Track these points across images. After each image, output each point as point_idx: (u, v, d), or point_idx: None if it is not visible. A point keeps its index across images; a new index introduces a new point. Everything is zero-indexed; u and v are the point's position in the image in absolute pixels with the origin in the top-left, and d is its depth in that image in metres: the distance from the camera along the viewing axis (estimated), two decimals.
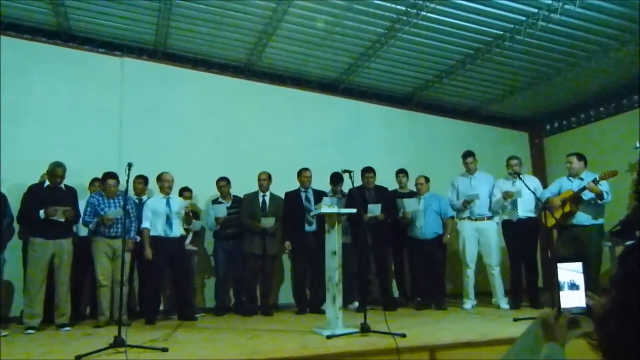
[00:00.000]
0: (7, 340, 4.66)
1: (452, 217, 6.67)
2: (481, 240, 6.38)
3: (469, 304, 6.35)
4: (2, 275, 5.34)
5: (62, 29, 7.00)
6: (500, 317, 5.37)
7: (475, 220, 6.39)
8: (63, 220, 5.33)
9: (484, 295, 6.64)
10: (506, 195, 6.15)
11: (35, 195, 5.42)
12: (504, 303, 6.20)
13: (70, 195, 5.58)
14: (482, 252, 6.42)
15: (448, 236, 6.55)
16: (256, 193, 6.63)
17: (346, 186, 6.69)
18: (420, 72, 8.07)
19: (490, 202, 6.42)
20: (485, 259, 6.39)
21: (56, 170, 5.45)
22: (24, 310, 5.31)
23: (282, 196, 6.74)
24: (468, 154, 6.61)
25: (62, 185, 5.54)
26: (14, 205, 5.55)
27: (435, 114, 9.20)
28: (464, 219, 6.47)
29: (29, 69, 6.73)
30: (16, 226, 5.87)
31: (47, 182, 5.52)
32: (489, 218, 6.42)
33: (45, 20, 6.79)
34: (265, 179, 6.61)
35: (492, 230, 6.40)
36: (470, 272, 6.40)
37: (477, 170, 6.61)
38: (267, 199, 6.60)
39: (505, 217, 6.36)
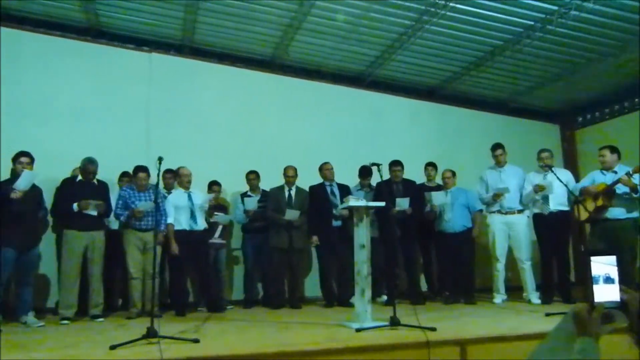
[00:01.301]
0: (44, 330, 4.77)
1: (481, 211, 6.59)
2: (511, 234, 6.28)
3: (499, 298, 6.27)
4: (38, 267, 5.45)
5: (92, 26, 7.09)
6: (532, 312, 5.29)
7: (506, 214, 6.30)
8: (95, 214, 5.42)
9: (514, 289, 6.55)
10: (537, 188, 6.04)
11: (68, 189, 5.53)
12: (535, 298, 6.10)
13: (103, 189, 5.68)
14: (512, 246, 6.32)
15: (476, 230, 6.48)
16: (282, 187, 6.64)
17: (374, 180, 6.68)
18: (447, 64, 7.96)
19: (521, 195, 6.32)
20: (515, 253, 6.30)
21: (88, 167, 5.55)
22: (59, 301, 5.44)
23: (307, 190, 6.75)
24: (497, 146, 6.51)
25: (95, 180, 5.64)
26: (47, 199, 5.66)
27: (463, 107, 9.08)
28: (493, 212, 6.38)
29: (60, 65, 6.84)
30: (50, 219, 6.01)
31: (79, 177, 5.62)
32: (520, 212, 6.32)
33: (75, 17, 6.89)
34: (292, 175, 6.61)
35: (522, 224, 6.30)
36: (500, 266, 6.31)
37: (506, 163, 6.51)
38: (292, 193, 6.61)
39: (537, 211, 6.24)
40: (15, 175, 5.11)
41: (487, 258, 6.73)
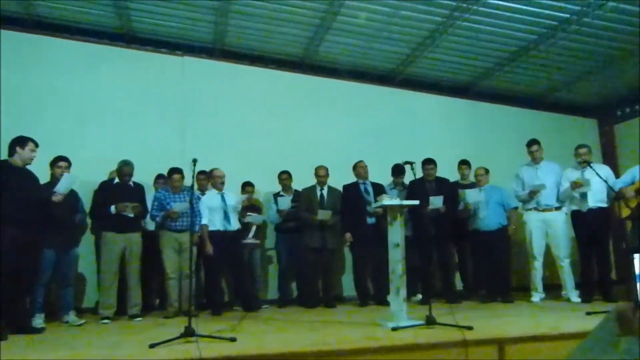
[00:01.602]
0: (85, 329, 4.90)
1: (516, 208, 6.50)
2: (549, 232, 6.17)
3: (537, 297, 6.16)
4: (77, 268, 5.59)
5: (126, 31, 7.22)
6: (571, 311, 5.18)
7: (543, 211, 6.18)
8: (132, 215, 5.54)
9: (553, 288, 6.42)
10: (575, 185, 5.91)
11: (105, 192, 5.67)
12: (574, 296, 5.97)
13: (139, 191, 5.80)
14: (550, 244, 6.20)
15: (512, 227, 6.39)
16: (314, 187, 6.65)
17: (407, 178, 6.64)
18: (480, 60, 7.85)
19: (558, 192, 6.19)
20: (554, 250, 6.18)
21: (124, 169, 5.68)
22: (99, 301, 5.58)
23: (340, 189, 6.74)
24: (533, 142, 6.40)
25: (131, 182, 5.76)
26: (86, 202, 5.80)
27: (497, 103, 8.93)
28: (530, 209, 6.28)
29: (96, 71, 6.99)
30: (88, 222, 6.16)
31: (116, 180, 5.76)
32: (557, 209, 6.20)
33: (110, 23, 7.03)
34: (324, 175, 6.62)
35: (560, 221, 6.18)
36: (537, 265, 6.20)
37: (542, 159, 6.39)
38: (324, 192, 6.61)
39: (575, 208, 6.12)
40: (53, 179, 5.26)
41: (523, 256, 6.62)
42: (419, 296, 6.48)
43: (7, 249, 4.22)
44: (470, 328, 3.81)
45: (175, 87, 7.33)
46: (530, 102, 9.10)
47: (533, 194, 6.16)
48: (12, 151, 4.55)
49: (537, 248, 6.20)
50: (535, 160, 6.37)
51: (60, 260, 5.18)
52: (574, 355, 1.42)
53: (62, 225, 5.15)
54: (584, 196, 5.99)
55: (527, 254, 6.37)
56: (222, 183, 6.11)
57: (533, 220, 6.23)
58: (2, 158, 4.69)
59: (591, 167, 5.48)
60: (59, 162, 5.27)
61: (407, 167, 4.71)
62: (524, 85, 8.65)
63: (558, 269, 6.16)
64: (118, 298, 5.60)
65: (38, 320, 4.86)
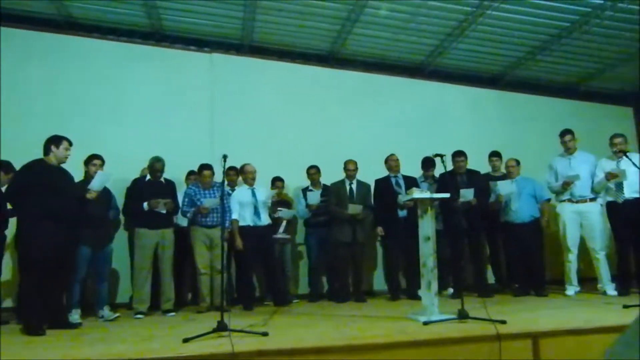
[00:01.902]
0: (119, 324, 5.00)
1: (549, 200, 6.38)
2: (584, 224, 6.03)
3: (571, 290, 6.04)
4: (111, 263, 5.70)
5: (156, 30, 7.33)
6: (607, 304, 5.05)
7: (577, 202, 6.05)
8: (164, 211, 5.63)
9: (588, 281, 6.30)
10: (610, 175, 5.77)
11: (138, 189, 5.77)
12: (611, 289, 5.84)
13: (170, 188, 5.88)
14: (585, 236, 6.07)
15: (545, 219, 6.27)
16: (343, 181, 6.64)
17: (437, 171, 6.58)
18: (511, 49, 7.74)
19: (593, 182, 6.05)
20: (588, 243, 6.04)
21: (155, 165, 5.77)
22: (133, 296, 5.69)
23: (371, 183, 6.72)
24: (566, 132, 6.26)
25: (162, 179, 5.85)
26: (119, 199, 5.91)
27: (528, 93, 8.80)
28: (564, 201, 6.14)
29: (127, 69, 7.11)
30: (122, 218, 6.28)
31: (148, 177, 5.85)
32: (592, 200, 6.06)
33: (140, 22, 7.14)
34: (353, 169, 6.60)
35: (595, 212, 6.04)
36: (572, 257, 6.07)
37: (576, 149, 6.24)
38: (354, 186, 6.59)
39: (610, 199, 5.97)
40: (87, 177, 5.37)
41: (556, 249, 6.50)
42: (451, 290, 6.43)
43: (43, 245, 4.32)
44: (503, 322, 3.76)
45: (204, 83, 7.41)
46: (562, 91, 8.93)
47: (567, 185, 6.03)
48: (47, 150, 4.65)
49: (572, 240, 6.07)
50: (568, 150, 6.23)
51: (96, 257, 5.29)
52: (612, 350, 1.38)
53: (97, 223, 5.27)
54: (619, 187, 5.84)
55: (561, 247, 6.25)
56: (253, 178, 6.15)
57: (567, 212, 6.10)
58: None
59: (627, 157, 5.32)
60: (93, 160, 5.38)
61: (437, 160, 4.65)
62: (556, 74, 8.50)
63: (593, 261, 6.03)
64: (151, 293, 5.69)
65: (75, 316, 4.99)
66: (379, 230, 6.46)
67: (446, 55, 7.95)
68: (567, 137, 6.21)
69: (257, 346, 3.31)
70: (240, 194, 6.11)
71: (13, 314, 5.52)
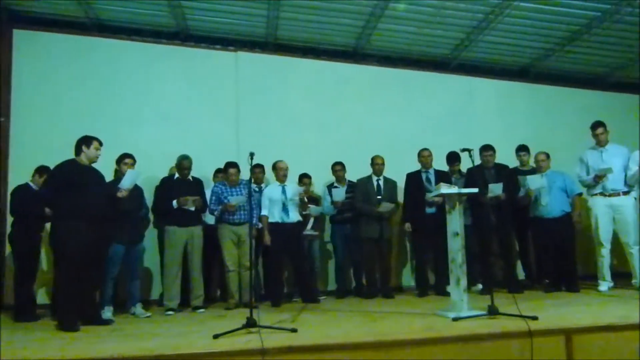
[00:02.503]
0: (151, 320, 5.08)
1: (580, 194, 6.25)
2: (616, 217, 5.89)
3: (604, 285, 5.91)
4: (143, 261, 5.78)
5: (181, 30, 7.39)
6: None
7: (609, 195, 5.92)
8: (193, 209, 5.69)
9: (622, 276, 6.17)
10: None
11: (167, 187, 5.85)
12: None
13: (198, 185, 5.94)
14: (618, 230, 5.93)
15: (578, 214, 6.15)
16: (370, 177, 6.61)
17: (464, 166, 6.51)
18: (539, 41, 7.59)
19: (626, 176, 5.91)
20: (622, 237, 5.90)
21: (183, 163, 5.84)
22: (163, 294, 5.78)
23: (398, 179, 6.68)
24: (598, 125, 6.11)
25: (190, 177, 5.91)
26: (148, 198, 5.99)
27: (558, 85, 8.64)
28: (596, 195, 6.01)
29: (154, 69, 7.20)
30: (151, 216, 6.37)
31: (176, 175, 5.92)
32: (625, 193, 5.91)
33: (165, 22, 7.20)
34: (380, 163, 6.57)
35: (628, 206, 5.89)
36: (605, 252, 5.93)
37: (608, 142, 6.09)
38: (381, 182, 6.56)
39: None
40: (119, 176, 5.46)
41: (588, 244, 6.38)
42: (480, 286, 6.36)
43: (77, 244, 4.41)
44: (535, 318, 3.71)
45: (230, 82, 7.45)
46: (593, 82, 8.74)
47: (599, 178, 5.90)
48: (78, 150, 4.74)
49: (604, 235, 5.94)
50: (600, 143, 6.09)
51: (129, 255, 5.38)
52: None
53: (130, 221, 5.37)
54: None
55: (594, 241, 6.12)
56: (285, 175, 6.17)
57: (599, 206, 5.97)
58: None
59: None
60: (125, 159, 5.47)
61: (464, 155, 4.61)
62: (587, 65, 8.33)
63: (627, 256, 5.89)
64: (181, 290, 5.76)
65: (107, 313, 5.08)
66: (407, 226, 6.43)
67: (472, 49, 7.84)
68: (599, 130, 6.07)
69: (286, 342, 3.33)
70: (271, 190, 6.14)
71: (48, 311, 5.66)
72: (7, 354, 3.23)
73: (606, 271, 5.96)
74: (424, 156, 6.53)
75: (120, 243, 5.23)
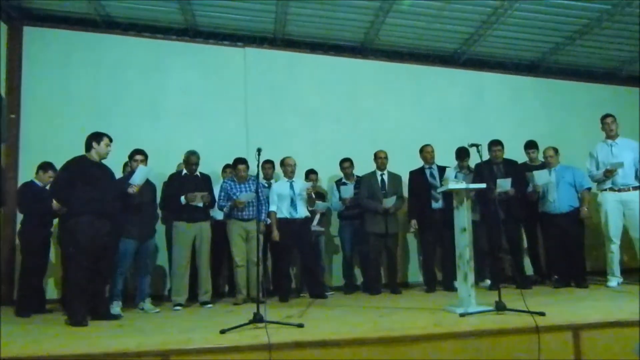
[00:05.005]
0: (159, 316, 5.12)
1: (589, 189, 6.20)
2: (627, 213, 5.84)
3: (614, 281, 5.87)
4: (155, 257, 5.79)
5: (190, 26, 7.41)
6: None
7: (619, 191, 5.86)
8: (202, 205, 5.71)
9: (631, 272, 6.13)
10: None
11: (175, 183, 5.87)
12: None
13: (206, 181, 5.96)
14: (628, 226, 5.88)
15: (586, 209, 6.09)
16: (374, 172, 6.60)
17: (472, 161, 6.48)
18: (549, 35, 7.53)
19: (636, 170, 5.85)
20: (632, 232, 5.85)
21: (190, 158, 5.86)
22: (171, 289, 5.81)
23: (405, 174, 6.67)
24: (607, 116, 6.06)
25: (198, 173, 5.93)
26: (157, 193, 6.01)
27: (568, 79, 8.57)
28: (605, 190, 5.96)
29: (163, 66, 7.25)
30: (159, 212, 6.40)
31: (184, 171, 5.94)
32: (635, 188, 5.84)
33: (174, 19, 7.23)
34: (384, 157, 6.56)
35: (639, 201, 5.83)
36: (614, 248, 5.88)
37: (618, 135, 6.04)
38: (385, 177, 6.55)
39: None
40: (129, 171, 5.50)
41: (597, 239, 6.33)
42: (488, 282, 6.34)
43: (87, 239, 4.45)
44: (542, 314, 3.69)
45: (239, 78, 7.47)
46: (604, 76, 8.66)
47: (609, 173, 5.84)
48: (88, 147, 4.77)
49: (614, 230, 5.89)
50: (610, 136, 6.03)
51: (140, 250, 5.43)
52: None
53: (142, 216, 5.41)
54: None
55: (603, 237, 6.07)
56: (293, 171, 6.19)
57: (609, 201, 5.92)
58: None
59: None
60: (136, 156, 5.49)
61: (472, 150, 4.58)
62: (598, 58, 8.25)
63: (637, 252, 5.84)
64: (190, 285, 5.79)
65: (116, 308, 5.12)
66: (413, 223, 6.41)
67: (482, 43, 7.79)
68: (609, 120, 6.02)
69: (293, 337, 3.34)
70: (280, 186, 6.16)
71: (58, 305, 5.72)
72: (16, 349, 3.27)
73: (615, 267, 5.91)
74: (427, 152, 6.52)
75: (131, 238, 5.27)
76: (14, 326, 4.43)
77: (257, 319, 3.72)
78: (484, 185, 4.61)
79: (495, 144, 6.26)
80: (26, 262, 5.47)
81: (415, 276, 7.31)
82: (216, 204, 6.02)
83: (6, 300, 6.01)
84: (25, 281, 5.45)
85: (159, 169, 6.17)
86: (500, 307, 3.98)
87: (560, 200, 6.05)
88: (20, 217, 5.73)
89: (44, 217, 5.51)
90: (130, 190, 5.07)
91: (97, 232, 4.54)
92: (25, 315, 5.14)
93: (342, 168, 6.84)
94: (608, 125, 6.02)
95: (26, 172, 6.14)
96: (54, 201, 5.17)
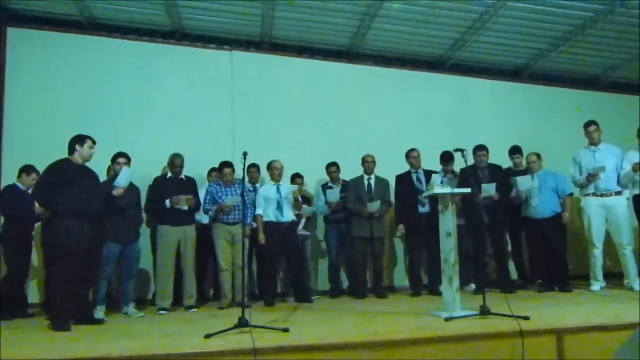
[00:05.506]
0: (143, 320, 5.07)
1: (571, 194, 6.27)
2: (609, 218, 5.91)
3: (596, 285, 5.93)
4: (139, 261, 5.73)
5: (176, 29, 7.38)
6: (634, 299, 4.94)
7: (602, 195, 5.93)
8: (186, 208, 5.68)
9: (614, 276, 6.19)
10: (637, 167, 5.63)
11: (160, 186, 5.83)
12: (637, 285, 5.71)
13: (191, 185, 5.92)
14: (610, 231, 5.95)
15: (567, 215, 6.15)
16: (361, 177, 6.61)
17: (457, 166, 6.52)
18: (533, 41, 7.62)
19: (619, 176, 5.93)
20: (614, 237, 5.92)
21: (175, 161, 5.82)
22: (156, 293, 5.76)
23: (392, 179, 6.69)
24: (590, 123, 6.13)
25: (183, 176, 5.90)
26: (141, 197, 5.96)
27: (552, 85, 8.67)
28: (588, 195, 6.02)
29: (148, 68, 7.19)
30: (144, 215, 6.35)
31: (169, 174, 5.90)
32: (617, 193, 5.92)
33: (160, 21, 7.20)
34: (371, 161, 6.58)
35: (621, 206, 5.90)
36: (597, 252, 5.94)
37: (601, 141, 6.11)
38: (372, 182, 6.56)
39: (637, 192, 5.85)
40: (112, 174, 5.45)
41: (580, 244, 6.40)
42: (473, 286, 6.37)
43: (70, 242, 4.40)
44: (526, 318, 3.73)
45: (225, 81, 7.44)
46: (587, 82, 8.78)
47: (591, 177, 5.90)
48: (71, 149, 4.72)
49: (597, 235, 5.95)
50: (593, 142, 6.11)
51: (124, 254, 5.38)
52: (619, 351, 1.36)
53: (125, 218, 5.36)
54: None
55: (586, 242, 6.14)
56: (280, 175, 6.19)
57: (592, 206, 5.98)
58: None
59: None
60: (118, 159, 5.45)
61: (457, 154, 4.62)
62: (581, 65, 8.36)
63: (619, 256, 5.91)
64: (174, 289, 5.75)
65: (99, 312, 5.07)
66: (400, 228, 6.43)
67: (467, 49, 7.86)
68: (592, 128, 6.09)
69: (277, 342, 3.33)
70: (266, 189, 6.16)
71: (40, 309, 5.65)
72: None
73: (598, 271, 5.97)
74: (413, 157, 6.54)
75: (115, 242, 5.23)
76: None
77: (242, 323, 3.71)
78: (468, 190, 4.65)
79: (480, 149, 6.31)
80: (8, 266, 5.39)
81: (401, 280, 7.33)
82: (201, 208, 5.99)
83: None
84: (7, 285, 5.38)
85: (144, 171, 6.13)
86: (484, 312, 4.00)
87: (542, 205, 6.11)
88: (1, 220, 5.65)
89: (27, 220, 5.44)
90: (115, 192, 5.03)
91: (81, 235, 4.48)
92: (7, 319, 5.07)
93: (329, 172, 6.84)
94: (590, 134, 6.09)
95: (9, 175, 6.05)
96: (37, 204, 5.11)
